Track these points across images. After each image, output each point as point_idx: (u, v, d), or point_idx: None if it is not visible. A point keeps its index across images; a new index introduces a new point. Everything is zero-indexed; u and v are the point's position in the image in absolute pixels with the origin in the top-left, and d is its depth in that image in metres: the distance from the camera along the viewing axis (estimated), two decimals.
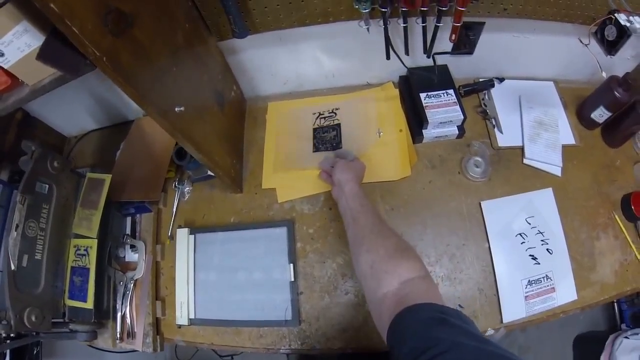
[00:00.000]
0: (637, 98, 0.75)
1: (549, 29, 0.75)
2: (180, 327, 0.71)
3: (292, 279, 0.67)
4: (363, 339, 0.65)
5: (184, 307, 0.71)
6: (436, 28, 0.68)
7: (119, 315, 0.76)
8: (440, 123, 0.76)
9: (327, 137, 0.76)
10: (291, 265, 0.68)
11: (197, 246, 0.73)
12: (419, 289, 0.42)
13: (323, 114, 0.79)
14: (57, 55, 0.45)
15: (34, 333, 0.79)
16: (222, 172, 0.66)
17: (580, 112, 0.86)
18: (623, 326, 1.26)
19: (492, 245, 0.72)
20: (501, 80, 0.86)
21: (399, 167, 0.73)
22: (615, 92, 0.75)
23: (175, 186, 0.79)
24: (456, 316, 0.37)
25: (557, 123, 0.84)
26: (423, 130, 0.76)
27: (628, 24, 0.62)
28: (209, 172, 0.72)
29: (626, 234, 0.75)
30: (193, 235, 0.73)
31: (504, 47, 0.81)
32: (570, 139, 0.83)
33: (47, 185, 0.73)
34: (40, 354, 0.89)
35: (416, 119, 0.77)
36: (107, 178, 0.74)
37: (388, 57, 0.72)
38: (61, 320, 0.73)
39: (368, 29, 0.65)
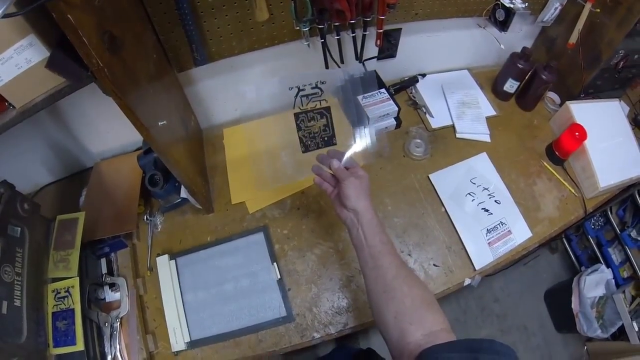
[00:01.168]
0: (536, 65, 0.94)
1: (454, 25, 0.93)
2: (177, 354, 0.71)
3: (279, 277, 0.72)
4: (357, 317, 0.71)
5: (178, 332, 0.71)
6: (364, 37, 0.83)
7: (109, 358, 0.74)
8: (380, 117, 0.89)
9: (315, 127, 0.72)
10: (274, 264, 0.73)
11: (180, 269, 0.75)
12: (443, 341, 0.41)
13: (304, 90, 0.71)
14: (63, 65, 0.48)
15: None
16: (196, 189, 0.71)
17: (495, 88, 1.05)
18: (583, 269, 1.41)
19: (448, 208, 0.83)
20: (423, 75, 1.04)
21: None
22: (518, 64, 0.94)
23: (147, 219, 0.81)
24: (489, 350, 0.37)
25: (477, 100, 1.02)
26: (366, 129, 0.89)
27: (512, 5, 0.83)
28: (181, 196, 0.77)
29: (557, 175, 0.91)
30: (174, 260, 0.76)
31: (421, 47, 0.98)
32: (491, 111, 1.01)
33: (19, 229, 0.72)
34: None
35: (358, 119, 0.90)
36: (81, 216, 0.75)
37: (327, 67, 0.86)
38: None
39: (309, 44, 0.77)
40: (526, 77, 0.98)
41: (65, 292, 0.72)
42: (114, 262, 0.81)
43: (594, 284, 1.32)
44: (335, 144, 0.75)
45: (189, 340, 0.72)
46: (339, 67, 0.86)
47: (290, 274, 0.74)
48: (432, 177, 0.87)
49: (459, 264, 0.78)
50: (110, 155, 0.93)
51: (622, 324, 1.32)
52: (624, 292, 1.32)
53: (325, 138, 0.75)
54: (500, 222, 0.84)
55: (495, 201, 0.87)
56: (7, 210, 0.70)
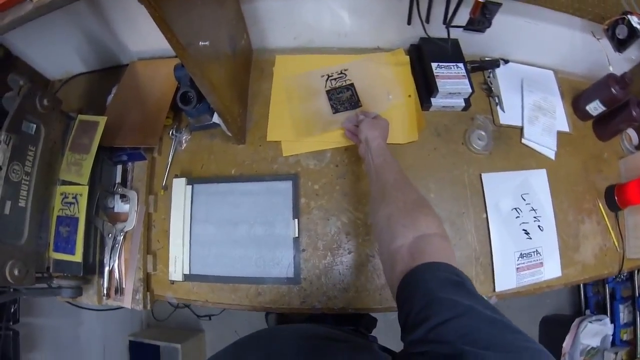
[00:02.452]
0: (631, 97, 0.82)
1: (559, 20, 0.79)
2: (173, 283, 0.69)
3: (296, 235, 0.67)
4: (365, 300, 0.67)
5: (179, 262, 0.68)
6: (460, 1, 0.72)
7: (106, 270, 0.72)
8: (449, 94, 0.79)
9: (343, 97, 0.76)
10: (295, 220, 0.67)
11: (195, 197, 0.70)
12: (435, 246, 0.41)
13: (332, 76, 0.79)
14: None
15: (13, 290, 0.75)
16: (230, 119, 0.63)
17: (576, 103, 0.93)
18: (587, 312, 1.38)
19: (490, 216, 0.76)
20: (506, 61, 0.91)
21: (407, 131, 0.76)
22: (612, 89, 0.82)
23: (172, 134, 0.75)
24: (471, 283, 0.36)
25: (555, 110, 0.90)
26: (432, 99, 0.79)
27: (639, 26, 0.69)
28: (213, 120, 0.70)
29: (607, 221, 0.82)
30: (191, 186, 0.71)
31: (514, 30, 0.85)
32: (564, 127, 0.90)
33: (35, 125, 0.67)
34: (17, 312, 0.84)
35: (426, 87, 0.80)
36: (102, 120, 0.70)
37: (409, 22, 0.74)
38: (45, 274, 0.69)
39: None
40: (615, 106, 0.86)
41: (73, 198, 0.69)
42: (130, 173, 0.77)
43: (593, 333, 1.29)
44: (361, 106, 0.77)
45: (188, 273, 0.69)
46: (422, 24, 0.74)
47: (310, 234, 0.68)
48: (485, 177, 0.79)
49: (481, 278, 0.73)
50: (149, 56, 0.86)
51: None
52: (616, 353, 1.30)
53: (352, 103, 0.78)
54: (537, 250, 0.77)
55: (539, 226, 0.79)
56: (24, 105, 0.64)
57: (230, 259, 0.68)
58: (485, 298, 0.71)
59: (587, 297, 1.45)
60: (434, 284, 0.35)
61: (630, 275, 1.22)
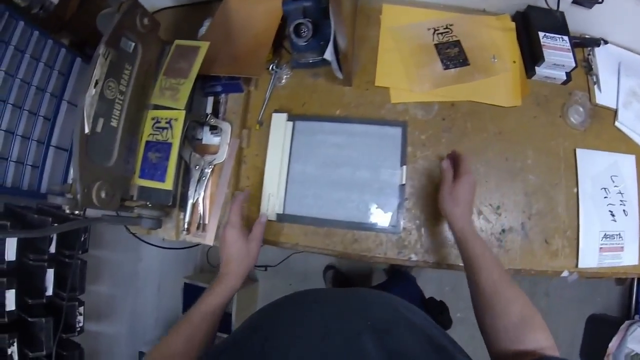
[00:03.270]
0: None
1: None
2: None
3: (403, 182, 0.65)
4: (457, 258, 0.66)
5: (273, 199, 0.67)
6: None
7: (189, 203, 0.70)
8: (554, 64, 0.78)
9: (451, 53, 0.74)
10: (404, 167, 0.66)
11: (296, 134, 0.69)
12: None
13: (438, 29, 0.77)
14: None
15: (79, 215, 0.75)
16: (349, 55, 0.62)
17: None
18: (636, 317, 1.39)
19: (581, 191, 0.76)
20: (605, 42, 0.90)
21: (511, 95, 0.74)
22: None
23: (272, 69, 0.73)
24: None
25: None
26: (536, 67, 0.77)
27: None
28: (325, 57, 0.68)
29: None
30: (292, 122, 0.69)
31: (622, 11, 0.83)
32: None
33: (133, 44, 0.66)
34: (87, 241, 0.83)
35: (531, 55, 0.79)
36: (204, 45, 0.68)
37: None
38: (129, 201, 0.68)
39: None
40: None
41: (167, 123, 0.67)
42: (222, 105, 0.75)
43: None
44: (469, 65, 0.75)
45: (282, 212, 0.67)
46: None
47: (414, 184, 0.67)
48: (579, 152, 0.78)
49: (566, 252, 0.73)
50: None
51: None
52: None
53: (461, 60, 0.76)
54: (619, 234, 0.77)
55: (624, 211, 0.79)
56: (124, 22, 0.63)
57: (329, 200, 0.66)
58: (567, 273, 0.73)
59: (638, 302, 1.46)
60: None
61: None
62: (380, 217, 0.66)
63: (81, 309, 0.84)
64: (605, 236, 0.76)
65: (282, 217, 0.68)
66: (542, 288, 1.59)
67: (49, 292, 0.77)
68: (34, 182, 0.77)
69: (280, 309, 0.42)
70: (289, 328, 0.36)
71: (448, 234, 0.67)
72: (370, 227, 0.66)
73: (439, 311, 0.76)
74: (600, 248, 0.76)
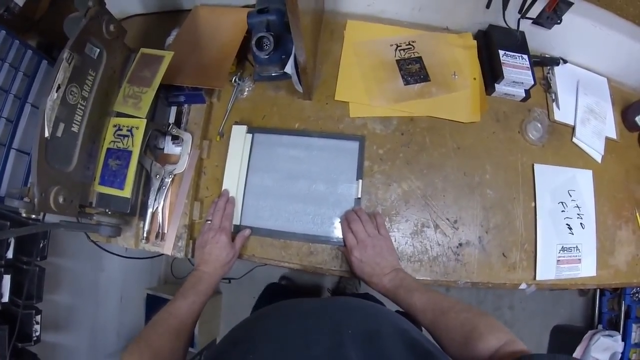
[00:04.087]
0: None
1: (623, 29, 0.82)
2: None
3: (359, 196, 0.67)
4: (413, 269, 0.67)
5: None
6: None
7: (149, 212, 0.70)
8: (513, 82, 0.80)
9: (413, 69, 0.76)
10: (359, 181, 0.67)
11: (255, 147, 0.70)
12: (512, 351, 0.42)
13: (400, 45, 0.79)
14: None
15: (37, 220, 0.73)
16: (308, 68, 0.64)
17: (625, 113, 0.95)
18: (599, 327, 1.42)
19: (538, 205, 0.78)
20: (565, 61, 0.94)
21: (470, 111, 0.77)
22: None
23: (235, 81, 0.74)
24: None
25: (605, 115, 0.93)
26: (496, 84, 0.80)
27: None
28: (285, 70, 0.69)
29: None
30: (251, 134, 0.70)
31: (578, 32, 0.86)
32: (612, 134, 0.93)
33: (98, 50, 0.66)
34: (46, 248, 0.81)
35: (491, 72, 0.81)
36: (168, 55, 0.68)
37: (488, 6, 0.75)
38: (87, 208, 0.67)
39: None
40: None
41: (128, 131, 0.67)
42: (185, 115, 0.75)
43: (604, 347, 1.32)
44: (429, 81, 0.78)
45: (238, 223, 0.68)
46: (503, 11, 0.76)
47: (370, 197, 0.69)
48: (537, 167, 0.80)
49: (524, 264, 0.75)
50: (212, 3, 0.84)
51: None
52: None
53: (422, 76, 0.78)
54: (577, 246, 0.79)
55: (581, 224, 0.82)
56: (90, 27, 0.63)
57: (285, 213, 0.67)
58: (525, 285, 0.75)
59: (601, 312, 1.49)
60: None
61: None
62: (336, 231, 0.66)
63: (38, 318, 0.81)
64: (563, 249, 0.79)
65: (238, 229, 0.68)
66: (506, 301, 1.63)
67: (5, 298, 0.75)
68: None
69: (259, 321, 0.42)
70: (270, 340, 0.35)
71: (404, 247, 0.68)
72: (326, 240, 0.66)
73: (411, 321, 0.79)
74: (558, 260, 0.78)
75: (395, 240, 0.68)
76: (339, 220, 0.67)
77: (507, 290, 1.60)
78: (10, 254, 0.77)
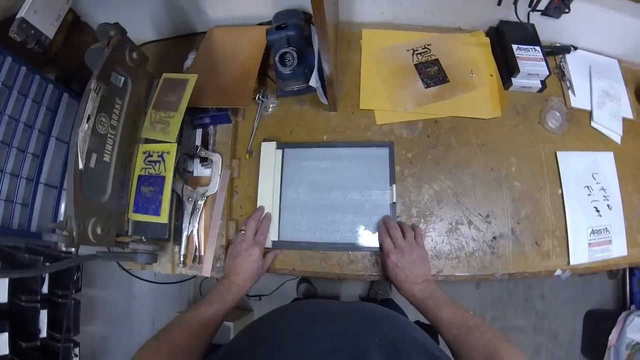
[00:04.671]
0: None
1: (630, 10, 0.83)
2: None
3: (394, 201, 0.68)
4: (453, 267, 0.69)
5: None
6: None
7: (184, 236, 0.72)
8: (529, 74, 0.83)
9: (431, 72, 0.78)
10: (393, 186, 0.69)
11: (286, 162, 0.72)
12: None
13: (417, 50, 0.82)
14: None
15: (69, 253, 0.74)
16: (332, 83, 0.65)
17: (639, 92, 0.98)
18: (632, 307, 1.44)
19: (565, 191, 0.80)
20: (575, 48, 0.96)
21: (490, 107, 0.79)
22: None
23: (258, 99, 0.76)
24: None
25: (620, 97, 0.95)
26: (512, 78, 0.82)
27: None
28: (310, 84, 0.71)
29: None
30: (281, 150, 0.72)
31: (587, 18, 0.88)
32: (629, 114, 0.95)
33: (123, 78, 0.68)
34: (80, 280, 0.82)
35: (506, 67, 0.83)
36: (192, 78, 0.70)
37: (499, 3, 0.78)
38: (124, 237, 0.68)
39: None
40: None
41: (159, 156, 0.68)
42: (211, 136, 0.77)
43: (639, 327, 1.34)
44: (448, 82, 0.80)
45: (277, 239, 0.70)
46: (515, 6, 0.78)
47: (404, 201, 0.71)
48: (560, 154, 0.82)
49: (557, 251, 0.77)
50: (227, 24, 0.86)
51: None
52: None
53: (441, 78, 0.80)
54: (606, 228, 0.81)
55: (608, 205, 0.83)
56: (114, 57, 0.65)
57: (322, 224, 0.69)
58: (560, 271, 0.76)
59: (632, 293, 1.50)
60: None
61: None
62: (374, 237, 0.68)
63: (77, 350, 0.83)
64: (593, 232, 0.81)
65: (277, 244, 0.70)
66: (537, 291, 1.64)
67: (43, 334, 0.76)
68: (24, 221, 0.77)
69: (285, 320, 0.42)
70: (296, 341, 0.35)
71: (440, 246, 0.71)
72: (365, 247, 0.68)
73: (429, 332, 0.79)
74: (590, 244, 0.80)
75: (432, 240, 0.70)
76: (377, 225, 0.69)
77: (537, 280, 1.62)
78: (45, 289, 0.78)
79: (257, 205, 0.72)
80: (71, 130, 0.89)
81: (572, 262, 0.77)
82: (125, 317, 1.09)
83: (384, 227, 0.66)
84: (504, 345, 0.48)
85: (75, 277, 0.85)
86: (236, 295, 0.61)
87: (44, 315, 0.76)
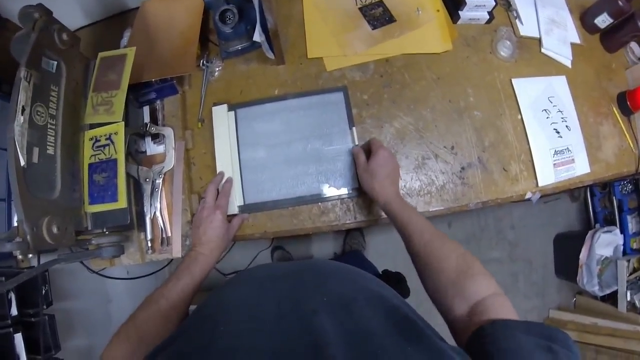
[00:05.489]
0: (635, 10, 0.90)
1: None
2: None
3: (356, 143, 0.68)
4: (426, 202, 0.70)
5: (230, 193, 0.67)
6: None
7: (147, 219, 0.69)
8: (475, 6, 0.84)
9: (376, 13, 0.77)
10: (353, 129, 0.68)
11: (240, 122, 0.69)
12: (495, 306, 0.39)
13: None
14: None
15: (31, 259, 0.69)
16: (277, 34, 0.63)
17: (584, 17, 1.00)
18: (597, 226, 1.51)
19: (524, 116, 0.82)
20: None
21: (441, 41, 0.79)
22: (619, 1, 0.89)
23: (203, 64, 0.73)
24: (563, 344, 0.32)
25: (566, 23, 0.98)
26: (459, 12, 0.83)
27: None
28: (254, 39, 0.68)
29: (622, 124, 0.91)
30: (233, 111, 0.69)
31: None
32: (576, 39, 0.97)
33: (55, 63, 0.63)
34: (49, 293, 0.77)
35: (452, 2, 0.84)
36: (130, 51, 0.66)
37: None
38: (83, 233, 0.64)
39: None
40: (621, 17, 0.95)
41: (107, 139, 0.65)
42: (159, 111, 0.74)
43: (606, 243, 1.41)
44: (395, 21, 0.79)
45: (242, 203, 0.68)
46: None
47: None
48: (515, 81, 0.84)
49: (525, 175, 0.78)
50: None
51: (617, 289, 1.45)
52: (628, 260, 1.43)
53: (387, 18, 0.79)
54: (567, 148, 0.84)
55: (567, 126, 0.86)
56: (42, 40, 0.60)
57: (287, 179, 0.67)
58: (530, 194, 0.78)
59: (595, 212, 1.58)
60: (520, 347, 0.31)
61: (636, 186, 1.34)
62: (342, 183, 0.67)
63: None
64: (556, 152, 0.83)
65: (244, 209, 0.68)
66: (507, 223, 1.72)
67: (23, 359, 0.71)
68: None
69: (232, 291, 0.40)
70: (242, 311, 0.34)
71: (410, 184, 0.70)
72: (335, 197, 0.67)
73: (395, 281, 0.73)
74: (554, 164, 0.82)
75: (400, 179, 0.69)
76: (344, 171, 0.68)
77: (506, 211, 1.68)
78: (14, 311, 0.72)
79: (217, 172, 0.69)
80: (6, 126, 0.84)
81: (540, 184, 0.79)
82: (105, 323, 1.05)
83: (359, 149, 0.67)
84: (477, 261, 0.46)
85: (43, 291, 0.79)
86: (204, 266, 0.58)
87: (19, 339, 0.71)
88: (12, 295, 0.72)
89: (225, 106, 0.70)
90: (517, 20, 0.92)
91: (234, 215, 0.68)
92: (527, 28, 0.93)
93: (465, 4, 0.81)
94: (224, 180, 0.67)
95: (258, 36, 0.67)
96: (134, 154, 0.73)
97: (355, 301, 0.33)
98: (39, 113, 0.59)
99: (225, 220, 0.63)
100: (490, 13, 0.87)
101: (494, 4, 0.85)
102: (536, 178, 0.79)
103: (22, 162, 0.53)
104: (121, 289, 1.03)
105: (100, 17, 0.87)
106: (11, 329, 0.70)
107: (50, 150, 0.61)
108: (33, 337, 0.74)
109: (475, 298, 0.41)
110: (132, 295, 1.12)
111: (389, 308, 0.33)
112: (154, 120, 0.74)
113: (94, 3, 0.84)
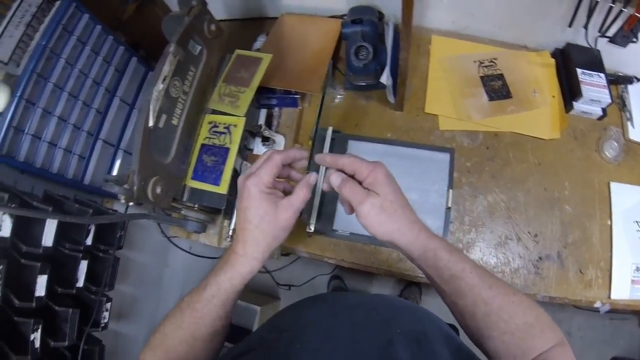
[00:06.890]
0: None
1: None
2: (310, 236, 0.72)
3: (449, 206, 0.72)
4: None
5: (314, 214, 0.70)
6: (619, 12, 0.79)
7: (235, 211, 0.76)
8: (591, 100, 0.86)
9: (496, 85, 0.82)
10: (450, 191, 0.72)
11: (348, 152, 0.76)
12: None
13: (483, 62, 0.85)
14: None
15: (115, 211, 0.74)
16: (404, 82, 0.69)
17: None
18: None
19: (614, 223, 0.82)
20: (638, 80, 0.99)
21: (550, 128, 0.82)
22: None
23: (327, 88, 0.80)
24: None
25: None
26: (574, 102, 0.86)
27: None
28: (381, 80, 0.73)
29: None
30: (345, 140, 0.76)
31: None
32: None
33: (200, 47, 0.72)
34: (123, 238, 0.86)
35: (569, 91, 0.87)
36: (267, 57, 0.74)
37: (570, 25, 0.81)
38: (179, 202, 0.70)
39: None
40: None
41: (225, 128, 0.72)
42: (275, 118, 0.81)
43: None
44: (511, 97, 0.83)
45: (331, 228, 0.73)
46: (585, 29, 0.82)
47: (458, 208, 0.74)
48: (613, 185, 0.85)
49: (599, 282, 0.78)
50: (298, 12, 0.91)
51: None
52: None
53: (504, 92, 0.84)
54: None
55: None
56: (193, 25, 0.69)
57: None
58: (599, 303, 0.79)
59: None
60: None
61: None
62: None
63: (108, 305, 0.87)
64: (638, 269, 0.82)
65: (331, 233, 0.73)
66: (564, 328, 1.60)
67: (80, 283, 0.79)
68: (79, 172, 0.82)
69: (308, 310, 0.41)
70: (317, 331, 0.35)
71: (488, 257, 0.74)
72: None
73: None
74: (633, 280, 0.81)
75: (480, 250, 0.73)
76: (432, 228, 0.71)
77: (568, 315, 1.59)
78: (89, 241, 0.81)
79: (315, 193, 0.74)
80: (138, 91, 0.93)
81: (612, 296, 0.78)
82: (156, 283, 1.14)
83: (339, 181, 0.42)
84: (541, 314, 0.40)
85: (119, 235, 0.89)
86: (236, 274, 0.41)
87: (83, 265, 0.80)
88: (92, 228, 0.81)
89: (341, 134, 0.77)
90: (628, 122, 0.93)
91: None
92: (637, 132, 0.93)
93: (582, 96, 0.84)
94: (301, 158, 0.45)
95: (385, 79, 0.73)
96: (242, 149, 0.79)
97: (425, 336, 0.34)
98: (175, 86, 0.67)
99: (268, 194, 0.40)
100: (604, 110, 0.89)
101: (610, 101, 0.87)
102: (610, 289, 0.78)
103: (151, 123, 0.60)
104: (180, 259, 1.11)
105: (239, 16, 0.97)
106: (80, 255, 0.78)
107: (175, 121, 0.68)
108: (95, 270, 0.83)
109: (538, 352, 0.38)
110: (186, 269, 1.21)
111: (456, 346, 0.35)
112: (268, 124, 0.81)
113: (238, 3, 0.93)
